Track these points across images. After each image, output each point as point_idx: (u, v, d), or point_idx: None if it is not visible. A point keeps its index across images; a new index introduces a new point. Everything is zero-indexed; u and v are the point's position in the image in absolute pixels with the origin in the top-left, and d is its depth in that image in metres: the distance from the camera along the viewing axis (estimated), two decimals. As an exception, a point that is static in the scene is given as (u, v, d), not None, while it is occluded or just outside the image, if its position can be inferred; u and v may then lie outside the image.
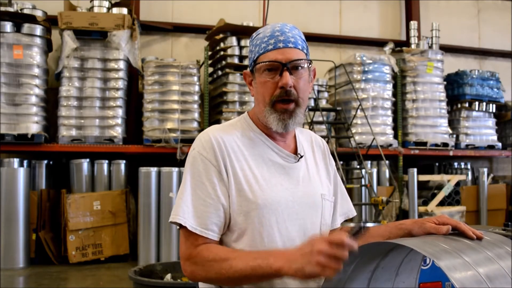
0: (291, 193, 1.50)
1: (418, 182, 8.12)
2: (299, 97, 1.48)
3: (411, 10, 9.77)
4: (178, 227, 1.44)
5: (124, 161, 7.30)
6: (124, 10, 7.41)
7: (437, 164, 9.41)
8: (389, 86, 8.47)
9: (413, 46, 8.95)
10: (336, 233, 1.22)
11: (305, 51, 1.52)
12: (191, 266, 1.40)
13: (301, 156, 1.58)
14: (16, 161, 6.86)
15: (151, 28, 8.46)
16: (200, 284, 1.54)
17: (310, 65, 1.53)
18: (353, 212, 1.74)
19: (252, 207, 1.43)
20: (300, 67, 1.48)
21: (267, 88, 1.48)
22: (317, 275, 1.19)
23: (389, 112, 8.43)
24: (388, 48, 8.95)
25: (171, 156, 7.10)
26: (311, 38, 8.63)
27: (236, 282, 1.36)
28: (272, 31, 1.49)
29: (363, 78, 8.23)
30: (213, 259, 1.36)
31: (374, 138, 7.00)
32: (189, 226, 1.40)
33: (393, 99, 8.53)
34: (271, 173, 1.50)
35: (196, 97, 7.44)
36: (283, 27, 1.51)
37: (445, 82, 8.87)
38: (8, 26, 6.77)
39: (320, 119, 7.15)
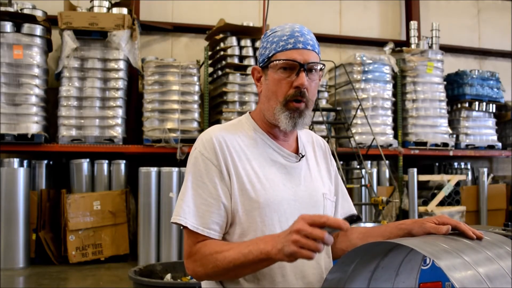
0: (293, 192, 1.51)
1: (418, 182, 8.12)
2: (309, 99, 1.50)
3: (411, 10, 9.78)
4: (181, 227, 1.44)
5: (124, 161, 7.30)
6: (124, 10, 7.41)
7: (437, 164, 9.41)
8: (389, 86, 8.48)
9: (413, 46, 8.96)
10: (320, 214, 1.21)
11: (319, 55, 1.54)
12: (192, 264, 1.42)
13: (303, 156, 1.59)
14: (16, 161, 6.86)
15: (151, 28, 8.46)
16: (203, 284, 1.54)
17: (323, 69, 1.54)
18: (353, 213, 1.74)
19: (255, 206, 1.44)
20: (314, 70, 1.50)
21: (281, 87, 1.48)
22: (294, 255, 1.18)
23: (389, 112, 8.43)
24: (388, 48, 8.96)
25: (171, 156, 7.10)
26: (311, 38, 8.63)
27: (233, 273, 1.36)
28: (292, 31, 1.50)
29: (363, 78, 8.24)
30: (209, 253, 1.37)
31: (374, 138, 7.00)
32: (191, 226, 1.41)
33: (393, 99, 8.53)
34: (273, 173, 1.51)
35: (196, 97, 7.44)
36: (302, 29, 1.52)
37: (445, 82, 8.87)
38: (8, 26, 6.77)
39: (320, 119, 7.16)
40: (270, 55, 1.50)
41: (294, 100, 1.48)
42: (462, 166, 9.47)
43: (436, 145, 8.54)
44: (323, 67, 1.53)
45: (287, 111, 1.48)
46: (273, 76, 1.50)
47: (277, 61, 1.48)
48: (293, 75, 1.47)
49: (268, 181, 1.48)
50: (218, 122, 7.38)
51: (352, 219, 1.23)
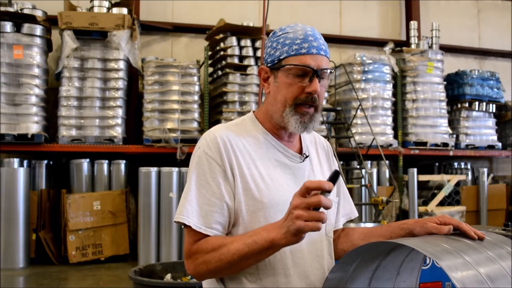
0: None
1: (418, 182, 8.12)
2: (320, 104, 1.51)
3: (411, 10, 9.78)
4: (183, 226, 1.44)
5: (124, 161, 7.30)
6: (124, 10, 7.41)
7: (437, 164, 9.41)
8: (389, 86, 8.48)
9: (413, 46, 8.96)
10: (303, 184, 1.23)
11: (329, 59, 1.53)
12: (193, 263, 1.41)
13: (307, 156, 1.59)
14: (16, 161, 6.86)
15: (151, 28, 8.46)
16: (204, 284, 1.54)
17: (332, 73, 1.54)
18: (355, 213, 1.75)
19: (259, 206, 1.44)
20: (325, 76, 1.50)
21: (292, 91, 1.47)
22: (302, 230, 1.20)
23: (389, 112, 8.44)
24: (388, 48, 8.96)
25: (171, 156, 7.10)
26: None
27: (237, 265, 1.36)
28: (305, 34, 1.48)
29: (363, 78, 8.24)
30: (212, 249, 1.37)
31: (374, 138, 7.01)
32: (193, 225, 1.41)
33: (393, 99, 8.53)
34: (277, 173, 1.50)
35: (196, 97, 7.44)
36: (314, 32, 1.50)
37: (445, 82, 8.88)
38: (8, 26, 6.77)
39: (320, 119, 7.15)
40: (281, 57, 1.48)
41: (304, 104, 1.48)
42: (462, 166, 9.47)
43: (436, 145, 8.54)
44: (333, 71, 1.53)
45: (297, 114, 1.47)
46: (284, 79, 1.48)
47: (290, 66, 1.46)
48: (305, 80, 1.46)
49: (272, 181, 1.48)
50: (218, 122, 7.37)
51: (334, 177, 1.23)
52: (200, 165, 1.46)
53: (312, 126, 1.51)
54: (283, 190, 1.47)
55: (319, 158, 1.67)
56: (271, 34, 1.56)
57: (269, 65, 1.52)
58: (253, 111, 1.63)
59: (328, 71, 1.50)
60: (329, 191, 1.21)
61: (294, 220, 1.20)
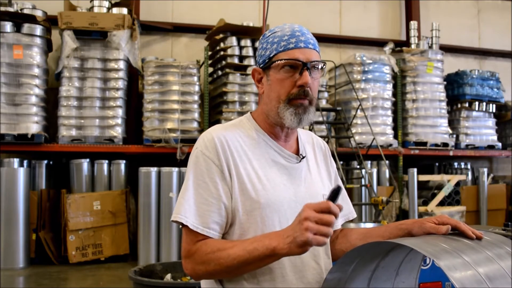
0: (294, 193, 1.52)
1: (418, 182, 8.12)
2: (313, 97, 1.51)
3: (411, 10, 9.78)
4: (180, 226, 1.45)
5: (124, 161, 7.30)
6: (124, 10, 7.41)
7: (437, 164, 9.41)
8: (389, 86, 8.47)
9: (413, 46, 8.95)
10: (322, 201, 1.24)
11: (319, 53, 1.55)
12: (191, 263, 1.41)
13: (303, 157, 1.59)
14: (16, 161, 6.86)
15: (151, 28, 8.46)
16: (202, 284, 1.54)
17: (324, 68, 1.55)
18: (353, 214, 1.75)
19: (255, 206, 1.44)
20: (316, 69, 1.51)
21: (284, 86, 1.49)
22: (309, 242, 1.20)
23: (389, 112, 8.43)
24: (388, 48, 8.96)
25: (171, 156, 7.10)
26: (311, 38, 8.63)
27: (236, 270, 1.37)
28: (292, 31, 1.51)
29: (363, 78, 8.24)
30: (211, 251, 1.37)
31: (374, 138, 7.00)
32: (191, 225, 1.41)
33: (393, 99, 8.53)
34: (274, 173, 1.51)
35: (196, 97, 7.44)
36: (302, 28, 1.53)
37: (445, 82, 8.87)
38: (8, 26, 6.77)
39: (320, 119, 7.16)
40: (271, 55, 1.50)
41: (297, 98, 1.48)
42: (462, 166, 9.46)
43: (436, 145, 8.53)
44: (324, 65, 1.54)
45: (292, 107, 1.48)
46: (275, 76, 1.50)
47: (279, 61, 1.48)
48: (296, 74, 1.48)
49: (269, 181, 1.48)
50: (218, 122, 7.38)
51: (335, 194, 1.24)
52: (198, 165, 1.47)
53: (306, 118, 1.51)
54: (280, 190, 1.48)
55: (316, 159, 1.67)
56: (261, 36, 1.59)
57: (261, 65, 1.55)
58: (251, 112, 1.64)
59: (320, 65, 1.51)
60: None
61: (303, 231, 1.20)
